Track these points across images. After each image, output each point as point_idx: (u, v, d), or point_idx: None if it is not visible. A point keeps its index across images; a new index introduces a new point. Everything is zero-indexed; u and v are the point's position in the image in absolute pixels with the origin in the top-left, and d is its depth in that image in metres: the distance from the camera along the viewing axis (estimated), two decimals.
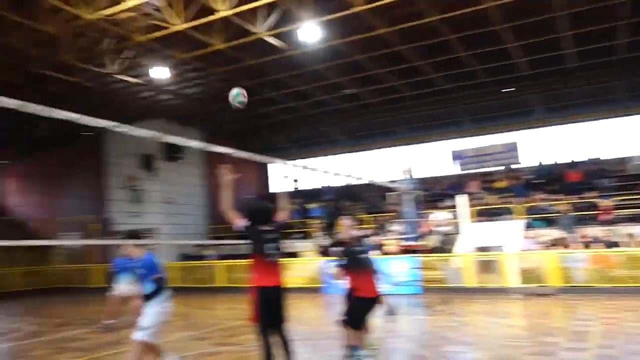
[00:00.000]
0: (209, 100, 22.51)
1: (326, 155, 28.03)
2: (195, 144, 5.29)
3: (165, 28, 14.37)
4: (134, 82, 19.98)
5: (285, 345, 5.18)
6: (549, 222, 17.16)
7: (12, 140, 25.57)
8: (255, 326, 5.10)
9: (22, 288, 21.48)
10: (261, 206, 5.42)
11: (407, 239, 13.60)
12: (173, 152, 23.77)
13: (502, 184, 20.14)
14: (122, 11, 13.60)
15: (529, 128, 23.22)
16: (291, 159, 24.50)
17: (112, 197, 23.53)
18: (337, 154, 27.89)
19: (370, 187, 24.14)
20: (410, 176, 13.55)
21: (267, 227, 5.24)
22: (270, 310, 5.10)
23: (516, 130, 23.44)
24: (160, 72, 18.39)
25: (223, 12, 13.17)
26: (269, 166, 29.83)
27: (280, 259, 5.29)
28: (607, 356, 6.28)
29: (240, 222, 5.25)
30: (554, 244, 15.04)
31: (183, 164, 24.45)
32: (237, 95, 6.39)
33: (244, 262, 18.05)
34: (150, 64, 17.82)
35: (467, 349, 7.19)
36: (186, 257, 22.48)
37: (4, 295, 19.36)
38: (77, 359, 7.57)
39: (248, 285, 5.18)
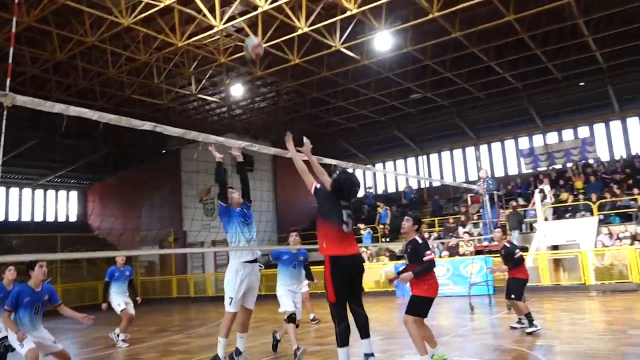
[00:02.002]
0: (279, 112, 23.50)
1: (395, 160, 28.46)
2: (265, 149, 5.71)
3: None
4: (211, 101, 21.24)
5: (363, 320, 4.88)
6: (628, 218, 16.85)
7: (98, 161, 27.46)
8: (331, 302, 4.77)
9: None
10: (351, 180, 5.07)
11: (484, 240, 13.79)
12: (245, 166, 24.73)
13: (578, 183, 19.81)
14: (208, 35, 14.65)
15: (604, 121, 22.86)
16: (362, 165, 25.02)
17: (187, 211, 24.68)
18: (407, 157, 28.22)
19: (444, 189, 24.45)
20: (487, 177, 13.78)
21: (345, 202, 4.97)
22: (347, 283, 4.77)
23: (588, 124, 23.13)
24: (235, 90, 19.45)
25: (303, 29, 13.90)
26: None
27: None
28: None
29: (316, 183, 5.11)
30: (635, 239, 14.82)
31: (253, 178, 25.37)
32: (247, 45, 5.94)
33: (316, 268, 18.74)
34: (227, 82, 18.88)
35: (554, 343, 7.42)
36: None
37: (92, 307, 20.62)
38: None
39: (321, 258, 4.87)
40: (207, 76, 18.54)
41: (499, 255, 9.48)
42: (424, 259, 5.81)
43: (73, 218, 30.40)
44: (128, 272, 10.23)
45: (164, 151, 27.16)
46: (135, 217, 26.79)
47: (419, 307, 5.83)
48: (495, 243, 13.23)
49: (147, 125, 4.20)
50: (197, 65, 16.97)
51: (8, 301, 5.73)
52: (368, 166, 25.87)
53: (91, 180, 30.45)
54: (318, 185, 5.13)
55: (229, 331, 6.31)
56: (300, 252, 7.74)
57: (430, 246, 6.40)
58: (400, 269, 6.34)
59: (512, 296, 8.31)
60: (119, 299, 9.98)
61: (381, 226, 22.18)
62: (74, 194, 30.65)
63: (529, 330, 7.96)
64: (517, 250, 8.59)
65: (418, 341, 5.74)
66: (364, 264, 5.12)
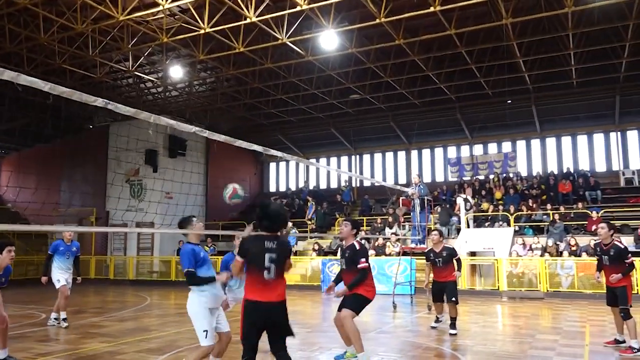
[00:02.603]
0: (217, 99, 23.12)
1: (329, 157, 28.81)
2: (197, 130, 5.36)
3: (192, 31, 14.92)
4: (147, 79, 20.55)
5: None
6: (540, 231, 18.13)
7: (15, 130, 25.82)
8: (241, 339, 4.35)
9: (20, 277, 21.34)
10: (275, 211, 4.54)
11: (413, 242, 14.33)
12: (177, 149, 24.17)
13: (498, 194, 21.03)
14: (151, 13, 14.17)
15: (526, 139, 24.39)
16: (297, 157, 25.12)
17: (112, 190, 23.75)
18: (341, 155, 28.66)
19: (373, 189, 25.04)
20: (420, 181, 14.33)
21: (270, 242, 4.42)
22: (258, 330, 4.30)
23: (512, 140, 24.59)
24: (174, 71, 18.93)
25: (251, 18, 13.78)
26: (269, 166, 30.49)
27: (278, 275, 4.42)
28: (596, 352, 7.19)
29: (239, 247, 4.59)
30: (545, 251, 16.00)
31: (185, 162, 24.74)
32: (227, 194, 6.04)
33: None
34: (166, 63, 18.34)
35: (471, 343, 7.93)
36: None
37: None
38: (106, 344, 7.94)
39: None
40: (145, 54, 17.92)
41: (420, 257, 9.57)
42: (359, 266, 6.00)
43: None
44: (75, 248, 9.79)
45: (90, 126, 25.99)
46: (54, 192, 25.45)
47: (359, 305, 6.03)
48: (424, 246, 13.81)
49: (99, 102, 4.04)
50: (136, 42, 16.34)
51: None
52: (308, 159, 25.98)
53: (7, 150, 28.51)
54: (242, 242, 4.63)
55: None
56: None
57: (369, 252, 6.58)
58: (333, 279, 6.61)
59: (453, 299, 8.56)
60: (60, 275, 9.52)
61: (309, 221, 22.51)
62: None
63: (453, 331, 8.41)
64: (630, 255, 7.44)
65: (357, 337, 5.90)
66: (285, 312, 4.42)
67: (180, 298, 14.46)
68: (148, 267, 22.99)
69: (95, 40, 16.47)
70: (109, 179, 23.93)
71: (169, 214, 22.11)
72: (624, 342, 7.36)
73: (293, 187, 29.32)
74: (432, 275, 9.02)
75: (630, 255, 7.39)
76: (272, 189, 30.23)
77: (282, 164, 30.19)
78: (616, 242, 7.45)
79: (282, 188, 29.96)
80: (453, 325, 8.46)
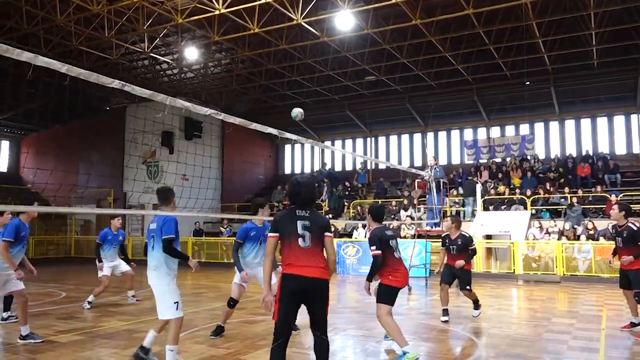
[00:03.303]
0: (233, 80, 23.08)
1: (344, 139, 28.70)
2: (213, 112, 5.32)
3: (206, 11, 14.86)
4: (162, 61, 20.57)
5: (322, 347, 4.19)
6: (557, 214, 17.94)
7: (34, 112, 26.11)
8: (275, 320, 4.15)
9: (40, 256, 21.74)
10: (297, 182, 4.43)
11: (428, 224, 14.28)
12: (192, 131, 24.26)
13: (516, 179, 20.76)
14: None
15: (544, 121, 24.03)
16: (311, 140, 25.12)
17: (129, 172, 23.99)
18: (356, 138, 28.55)
19: (389, 172, 24.94)
20: (436, 164, 14.22)
21: (302, 211, 4.31)
22: (295, 307, 4.15)
23: (530, 122, 24.25)
24: (189, 52, 18.91)
25: None
26: (284, 148, 30.49)
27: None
28: (613, 336, 7.13)
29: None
30: (562, 234, 15.83)
31: (201, 144, 24.82)
32: (295, 116, 6.87)
33: None
34: (182, 44, 18.33)
35: (486, 326, 7.91)
36: (198, 233, 22.82)
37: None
38: (125, 322, 8.10)
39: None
40: (161, 35, 17.92)
41: (439, 240, 9.50)
42: (371, 254, 5.88)
43: (3, 168, 28.80)
44: (121, 237, 10.17)
45: (107, 108, 26.16)
46: (72, 173, 25.76)
47: (384, 294, 5.79)
48: (439, 229, 13.78)
49: (116, 84, 4.06)
50: (151, 23, 16.34)
51: None
52: (322, 143, 25.92)
53: (26, 131, 28.86)
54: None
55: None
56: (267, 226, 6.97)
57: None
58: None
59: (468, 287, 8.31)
60: (106, 264, 9.87)
61: (322, 203, 22.49)
62: (5, 144, 28.99)
63: (476, 313, 8.35)
64: None
65: (396, 333, 5.61)
66: (326, 289, 4.22)
67: (196, 278, 14.64)
68: None
69: (110, 22, 16.50)
70: (126, 160, 24.15)
71: (184, 196, 22.19)
72: (639, 324, 7.33)
73: (308, 170, 29.31)
74: (446, 259, 8.87)
75: None
76: (287, 171, 30.26)
77: (297, 147, 30.18)
78: (630, 224, 7.31)
79: (297, 170, 29.98)
80: (476, 306, 8.34)
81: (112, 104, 25.97)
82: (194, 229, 21.93)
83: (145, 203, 22.04)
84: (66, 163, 26.15)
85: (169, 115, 22.98)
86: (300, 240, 4.19)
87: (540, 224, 16.28)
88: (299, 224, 4.23)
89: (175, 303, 5.18)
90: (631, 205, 16.95)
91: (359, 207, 21.10)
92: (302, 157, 30.27)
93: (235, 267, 6.90)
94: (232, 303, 6.89)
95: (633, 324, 7.40)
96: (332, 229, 19.19)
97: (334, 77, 21.80)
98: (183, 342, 6.25)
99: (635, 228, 7.24)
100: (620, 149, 22.59)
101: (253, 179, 28.73)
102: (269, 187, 28.30)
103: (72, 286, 9.74)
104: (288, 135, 6.44)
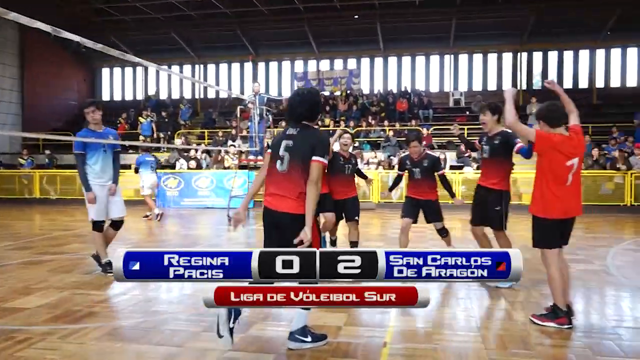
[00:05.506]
0: None
1: (170, 64, 26.51)
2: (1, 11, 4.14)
3: None
4: None
5: None
6: (377, 146, 18.90)
7: None
8: None
9: None
10: (301, 98, 3.68)
11: (251, 153, 13.79)
12: None
13: (342, 107, 21.32)
14: None
15: (370, 57, 24.79)
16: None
17: None
18: (184, 64, 26.65)
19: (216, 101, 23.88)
20: (259, 92, 13.58)
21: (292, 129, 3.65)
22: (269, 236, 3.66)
23: (357, 57, 24.86)
24: None
25: None
26: (101, 71, 27.37)
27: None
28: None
29: None
30: (379, 165, 16.73)
31: None
32: None
33: (65, 172, 16.90)
34: None
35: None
36: None
37: None
38: None
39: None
40: None
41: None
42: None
43: None
44: None
45: None
46: None
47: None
48: (261, 158, 13.39)
49: None
50: None
51: None
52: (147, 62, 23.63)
53: None
54: None
55: None
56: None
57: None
58: None
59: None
60: None
61: (142, 137, 20.56)
62: None
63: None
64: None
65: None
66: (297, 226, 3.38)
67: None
68: None
69: None
70: None
71: None
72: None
73: (130, 97, 26.88)
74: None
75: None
76: (106, 97, 27.35)
77: (117, 70, 27.31)
78: (505, 130, 5.40)
79: (118, 97, 27.32)
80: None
81: None
82: None
83: None
84: None
85: None
86: (278, 163, 3.58)
87: (362, 155, 16.93)
88: (283, 143, 3.59)
89: None
90: (438, 138, 18.62)
91: (183, 138, 19.94)
92: (122, 83, 27.54)
93: (82, 187, 6.06)
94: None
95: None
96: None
97: None
98: None
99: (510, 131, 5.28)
100: (434, 87, 24.42)
101: (63, 105, 25.43)
102: (82, 114, 25.31)
103: None
104: (67, 34, 5.19)
